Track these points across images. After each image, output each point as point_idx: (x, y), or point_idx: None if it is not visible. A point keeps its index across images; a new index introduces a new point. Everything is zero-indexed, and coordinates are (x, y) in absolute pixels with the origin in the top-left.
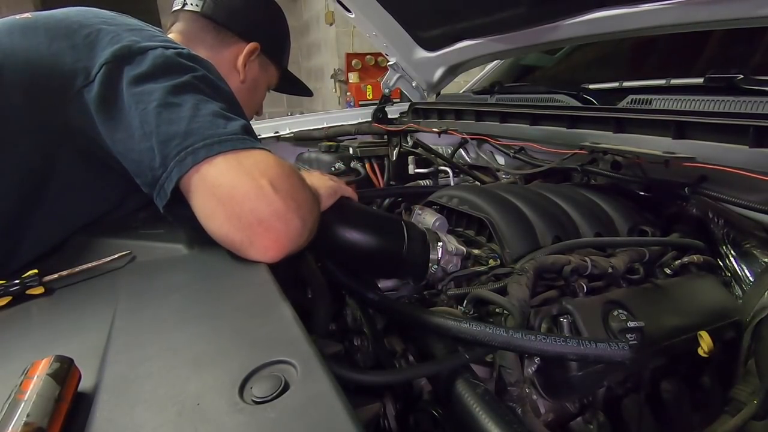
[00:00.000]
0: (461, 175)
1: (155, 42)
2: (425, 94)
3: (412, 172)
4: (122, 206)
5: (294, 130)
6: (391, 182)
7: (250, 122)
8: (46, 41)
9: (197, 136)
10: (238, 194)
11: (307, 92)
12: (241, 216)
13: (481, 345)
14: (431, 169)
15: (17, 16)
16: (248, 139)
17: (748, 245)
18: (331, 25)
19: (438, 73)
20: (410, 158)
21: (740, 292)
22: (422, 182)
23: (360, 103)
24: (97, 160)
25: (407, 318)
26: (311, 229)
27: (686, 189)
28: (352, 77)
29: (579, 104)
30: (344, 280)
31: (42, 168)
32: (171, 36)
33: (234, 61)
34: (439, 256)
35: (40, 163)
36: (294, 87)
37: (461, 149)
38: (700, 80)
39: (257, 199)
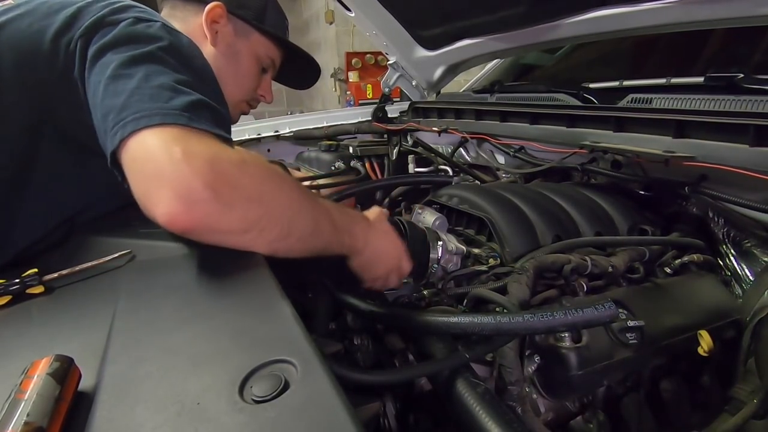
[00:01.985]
0: (461, 174)
1: (131, 13)
2: (425, 93)
3: (412, 171)
4: (115, 193)
5: (294, 129)
6: None
7: (250, 107)
8: (27, 21)
9: (131, 110)
10: (150, 161)
11: (315, 71)
12: (145, 174)
13: (472, 335)
14: (431, 168)
15: (0, 3)
16: (187, 115)
17: (748, 244)
18: (330, 24)
19: (438, 72)
20: (410, 157)
21: (740, 292)
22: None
23: (360, 102)
24: (82, 145)
25: (393, 320)
26: (230, 207)
27: (686, 188)
28: (352, 76)
29: (579, 103)
30: (330, 287)
31: (28, 151)
32: None
33: (202, 28)
34: (439, 255)
35: (26, 147)
36: (299, 67)
37: (461, 148)
38: (701, 79)
39: (164, 162)
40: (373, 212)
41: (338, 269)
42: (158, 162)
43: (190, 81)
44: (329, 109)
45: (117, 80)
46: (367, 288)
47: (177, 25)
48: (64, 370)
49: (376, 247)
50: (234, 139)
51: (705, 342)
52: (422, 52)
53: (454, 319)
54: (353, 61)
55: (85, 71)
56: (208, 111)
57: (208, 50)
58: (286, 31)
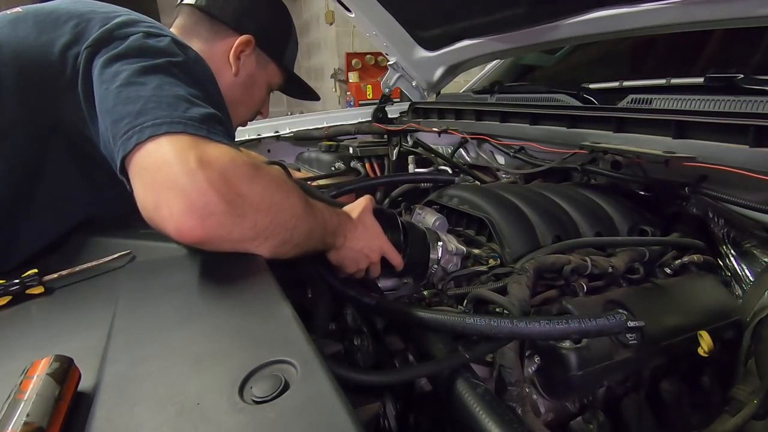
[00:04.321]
0: (461, 175)
1: (140, 28)
2: (425, 93)
3: (412, 172)
4: (120, 203)
5: (294, 130)
6: None
7: (251, 120)
8: (35, 32)
9: (149, 116)
10: (164, 169)
11: (313, 96)
12: (157, 182)
13: (487, 338)
14: (431, 168)
15: (8, 11)
16: (205, 128)
17: (748, 245)
18: (331, 24)
19: (438, 72)
20: (410, 158)
21: (740, 292)
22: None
23: (360, 102)
24: (88, 157)
25: (409, 319)
26: (243, 217)
27: (686, 188)
28: (352, 77)
29: (579, 104)
30: (338, 286)
31: (34, 162)
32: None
33: (227, 54)
34: (440, 255)
35: (32, 158)
36: (300, 89)
37: (461, 149)
38: (701, 80)
39: (180, 172)
40: (359, 206)
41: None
42: (172, 171)
43: (200, 95)
44: (329, 110)
45: (129, 87)
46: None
47: (197, 43)
48: (64, 371)
49: (356, 243)
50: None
51: (705, 342)
52: (422, 53)
53: (470, 321)
54: (353, 61)
55: (91, 81)
56: (221, 125)
57: (227, 77)
58: (294, 57)
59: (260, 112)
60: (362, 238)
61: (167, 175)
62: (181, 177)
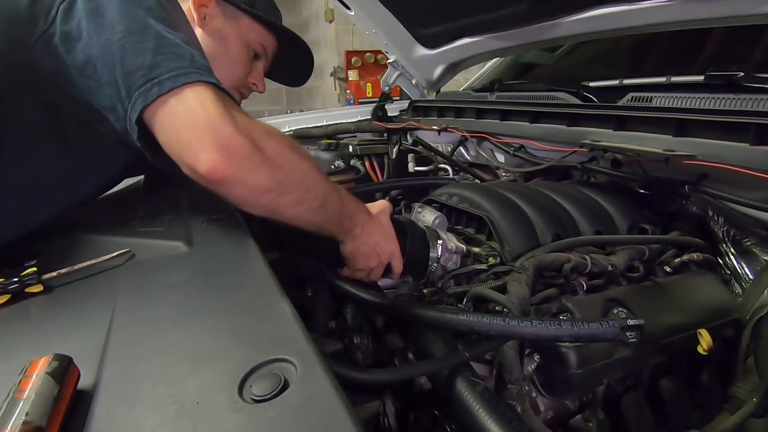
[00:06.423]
0: (461, 173)
1: None
2: (425, 91)
3: (412, 170)
4: (95, 166)
5: (293, 128)
6: None
7: (241, 95)
8: None
9: (163, 68)
10: (193, 115)
11: (307, 67)
12: (188, 124)
13: (479, 335)
14: (431, 167)
15: None
16: (214, 78)
17: (748, 243)
18: (330, 22)
19: (438, 70)
20: (410, 156)
21: (740, 290)
22: None
23: (360, 100)
24: (63, 113)
25: (405, 316)
26: (261, 165)
27: (686, 187)
28: (352, 75)
29: (579, 102)
30: (338, 284)
31: (3, 117)
32: None
33: (190, 12)
34: (439, 254)
35: (2, 112)
36: (292, 62)
37: (461, 147)
38: (701, 78)
39: (208, 117)
40: (378, 205)
41: (334, 256)
42: (202, 116)
43: (189, 40)
44: (329, 108)
45: (132, 37)
46: (350, 275)
47: None
48: (63, 369)
49: (371, 238)
50: None
51: (704, 341)
52: (422, 51)
53: (463, 317)
54: (353, 59)
55: (73, 34)
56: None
57: (196, 32)
58: (277, 18)
59: (253, 83)
60: (377, 235)
61: (197, 120)
62: (210, 121)
